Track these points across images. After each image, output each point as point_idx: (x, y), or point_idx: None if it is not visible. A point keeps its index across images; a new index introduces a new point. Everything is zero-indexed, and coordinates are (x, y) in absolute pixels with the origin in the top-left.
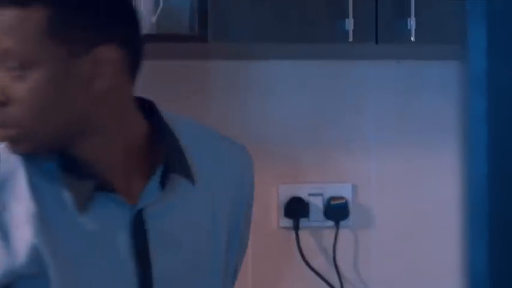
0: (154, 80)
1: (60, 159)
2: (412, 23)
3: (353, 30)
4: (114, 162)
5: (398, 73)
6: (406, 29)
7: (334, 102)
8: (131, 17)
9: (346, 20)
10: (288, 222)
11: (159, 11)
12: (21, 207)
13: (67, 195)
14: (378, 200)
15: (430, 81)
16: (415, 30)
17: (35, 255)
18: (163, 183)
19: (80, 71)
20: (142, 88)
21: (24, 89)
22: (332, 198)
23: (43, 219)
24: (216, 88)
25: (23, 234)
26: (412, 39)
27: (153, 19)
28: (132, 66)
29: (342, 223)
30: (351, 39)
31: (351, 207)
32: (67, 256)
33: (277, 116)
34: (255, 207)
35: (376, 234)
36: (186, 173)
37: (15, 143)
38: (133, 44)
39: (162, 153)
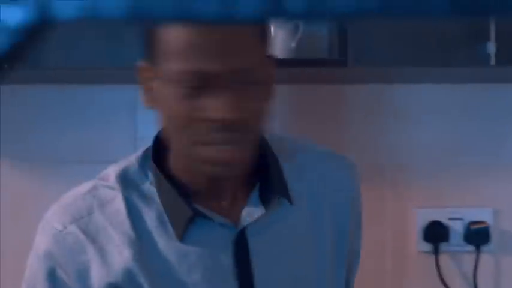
0: (292, 103)
1: (157, 182)
2: None
3: (495, 54)
4: (223, 181)
5: None
6: None
7: (475, 125)
8: None
9: (488, 43)
10: (427, 247)
11: (298, 35)
12: (119, 232)
13: (166, 220)
14: None
15: None
16: None
17: (131, 279)
18: (262, 202)
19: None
20: (281, 111)
21: (263, 104)
22: (472, 222)
23: (141, 244)
24: (354, 112)
25: (120, 257)
26: None
27: (293, 44)
28: None
29: (483, 248)
30: (493, 63)
31: (493, 232)
32: (167, 280)
33: (417, 139)
34: (395, 232)
35: None
36: (283, 191)
37: (233, 165)
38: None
39: (260, 172)
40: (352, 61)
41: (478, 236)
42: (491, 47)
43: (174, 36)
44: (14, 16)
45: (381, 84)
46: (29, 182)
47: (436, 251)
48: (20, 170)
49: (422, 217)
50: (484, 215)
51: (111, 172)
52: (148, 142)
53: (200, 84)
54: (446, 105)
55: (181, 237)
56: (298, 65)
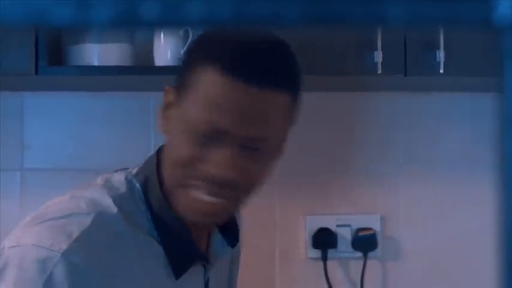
0: None
1: (151, 214)
2: (440, 55)
3: (382, 63)
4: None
5: (427, 105)
6: (435, 61)
7: (363, 133)
8: None
9: (375, 52)
10: (316, 253)
11: (188, 42)
12: (130, 269)
13: (165, 261)
14: (406, 232)
15: (460, 113)
16: (444, 62)
17: None
18: (228, 238)
19: None
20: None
21: (265, 169)
22: (360, 229)
23: (149, 279)
24: None
25: None
26: (441, 71)
27: (182, 51)
28: None
29: (370, 254)
30: (379, 72)
31: (379, 239)
32: None
33: (306, 147)
34: (283, 238)
35: (405, 266)
36: (237, 231)
37: (218, 217)
38: None
39: None
40: None
41: (365, 242)
42: (378, 56)
43: (209, 82)
44: None
45: None
46: None
47: (324, 258)
48: None
49: (311, 224)
50: (370, 222)
51: (101, 198)
52: (36, 150)
53: (213, 136)
54: (334, 113)
55: (178, 277)
56: None
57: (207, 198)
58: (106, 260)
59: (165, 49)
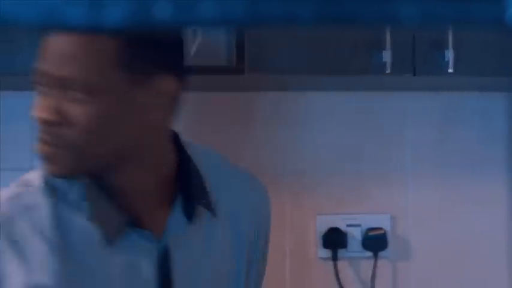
0: (191, 111)
1: (85, 189)
2: (449, 55)
3: (390, 62)
4: (146, 192)
5: (437, 105)
6: (444, 61)
7: (372, 133)
8: (183, 49)
9: (384, 51)
10: (326, 253)
11: (196, 43)
12: (42, 240)
13: (93, 228)
14: (416, 231)
15: (469, 113)
16: (453, 62)
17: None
18: (188, 214)
19: (139, 100)
20: (179, 120)
21: (82, 112)
22: (370, 229)
23: (65, 252)
24: (252, 120)
25: (42, 265)
26: (450, 71)
27: (191, 51)
28: (179, 99)
29: (380, 254)
30: (388, 71)
31: (389, 238)
32: None
33: (315, 147)
34: (294, 238)
35: (415, 266)
36: (207, 203)
37: (55, 163)
38: (184, 77)
39: (182, 183)
40: (250, 69)
41: (375, 242)
42: (387, 56)
43: (46, 40)
44: None
45: (277, 92)
46: None
47: (334, 257)
48: None
49: (321, 224)
50: (381, 222)
51: (35, 178)
52: None
53: (38, 82)
54: (342, 112)
55: (108, 247)
56: (196, 73)
57: (39, 144)
58: (14, 232)
59: None
